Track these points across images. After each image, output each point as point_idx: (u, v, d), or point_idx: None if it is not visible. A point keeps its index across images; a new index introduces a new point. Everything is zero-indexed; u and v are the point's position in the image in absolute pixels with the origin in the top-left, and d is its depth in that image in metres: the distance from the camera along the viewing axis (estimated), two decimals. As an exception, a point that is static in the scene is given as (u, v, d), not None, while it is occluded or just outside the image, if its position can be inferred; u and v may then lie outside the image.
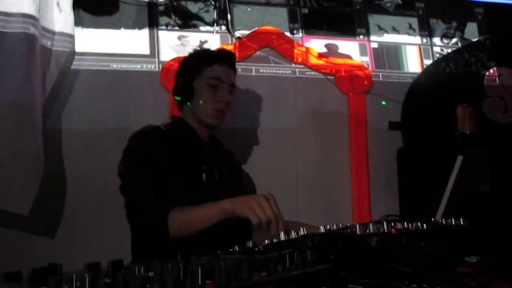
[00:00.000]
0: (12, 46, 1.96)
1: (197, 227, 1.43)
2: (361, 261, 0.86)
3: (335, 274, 0.83)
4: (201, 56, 1.83)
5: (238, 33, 2.49)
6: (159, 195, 1.53)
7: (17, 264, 0.78)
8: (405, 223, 0.99)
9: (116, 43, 2.35)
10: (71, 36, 2.15)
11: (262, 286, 0.67)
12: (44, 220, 2.10)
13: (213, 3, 2.48)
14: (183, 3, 2.48)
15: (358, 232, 0.97)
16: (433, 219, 1.05)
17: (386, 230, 0.95)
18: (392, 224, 1.01)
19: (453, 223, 1.07)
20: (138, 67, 2.36)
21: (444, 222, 1.02)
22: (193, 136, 1.76)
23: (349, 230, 0.97)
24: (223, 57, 1.83)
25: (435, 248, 0.89)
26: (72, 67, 2.23)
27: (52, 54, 2.10)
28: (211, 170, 1.74)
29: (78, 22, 2.25)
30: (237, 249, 1.21)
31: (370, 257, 0.85)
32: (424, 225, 0.96)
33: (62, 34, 2.13)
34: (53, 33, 2.11)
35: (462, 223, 1.08)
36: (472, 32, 2.86)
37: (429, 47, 2.80)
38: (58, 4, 2.11)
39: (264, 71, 2.50)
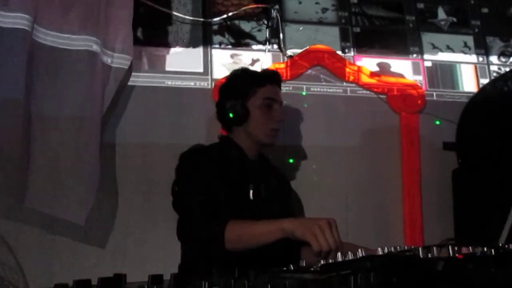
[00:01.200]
0: (75, 62, 2.07)
1: (254, 242, 1.43)
2: (426, 286, 0.84)
3: (399, 298, 0.81)
4: (252, 77, 1.85)
5: (289, 52, 2.51)
6: (214, 208, 1.55)
7: (71, 271, 0.80)
8: (471, 247, 0.96)
9: (171, 60, 2.42)
10: (130, 54, 2.23)
11: (329, 306, 0.66)
12: (97, 231, 2.17)
13: (265, 22, 2.52)
14: (236, 22, 2.53)
15: (421, 255, 0.95)
16: (501, 245, 1.00)
17: (451, 254, 0.92)
18: (456, 248, 0.97)
19: (521, 249, 1.02)
20: (191, 84, 2.42)
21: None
22: (240, 155, 1.78)
23: (411, 252, 0.95)
24: (273, 77, 1.86)
25: (505, 275, 0.85)
26: (128, 83, 2.31)
27: (111, 71, 2.19)
28: (259, 188, 1.75)
29: (135, 39, 2.32)
30: (292, 267, 1.20)
31: (436, 282, 0.82)
32: (492, 251, 0.92)
33: (121, 51, 2.21)
34: (113, 50, 2.19)
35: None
36: (532, 50, 2.76)
37: (486, 66, 2.72)
38: (120, 22, 2.20)
39: (316, 89, 2.50)
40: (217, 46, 2.50)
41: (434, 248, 0.95)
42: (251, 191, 1.73)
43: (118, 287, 0.58)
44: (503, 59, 2.76)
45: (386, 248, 1.05)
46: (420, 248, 0.97)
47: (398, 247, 1.08)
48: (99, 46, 2.12)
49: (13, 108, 1.94)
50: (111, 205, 2.22)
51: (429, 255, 0.94)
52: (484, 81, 2.67)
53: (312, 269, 1.12)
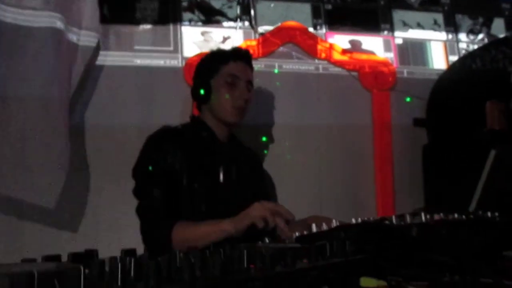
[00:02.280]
0: (39, 40, 1.98)
1: (199, 244, 1.44)
2: (400, 252, 0.85)
3: (374, 264, 0.81)
4: (217, 55, 1.83)
5: (261, 29, 2.48)
6: (165, 208, 1.55)
7: (38, 256, 0.77)
8: (443, 214, 0.97)
9: (140, 38, 2.36)
10: (97, 31, 2.16)
11: (306, 272, 0.65)
12: (68, 214, 2.12)
13: (236, -1, 2.48)
14: (206, -1, 2.48)
15: (394, 223, 0.96)
16: (471, 211, 1.02)
17: (424, 221, 0.93)
18: (429, 215, 0.99)
19: (490, 216, 1.04)
20: (161, 62, 2.37)
21: (483, 215, 1.00)
22: (210, 137, 1.76)
23: (386, 221, 0.96)
24: (239, 55, 1.83)
25: (477, 239, 0.86)
26: (96, 62, 2.24)
27: (78, 49, 2.12)
28: (229, 170, 1.74)
29: (102, 17, 2.25)
30: (267, 241, 1.20)
31: (410, 247, 0.83)
32: (464, 216, 0.94)
33: (87, 29, 2.14)
34: (79, 28, 2.12)
35: (498, 216, 1.05)
36: (499, 27, 2.81)
37: (455, 43, 2.76)
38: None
39: (287, 67, 2.49)
40: (187, 23, 2.44)
41: (408, 216, 0.96)
42: (221, 174, 1.72)
43: (89, 260, 0.56)
44: (471, 37, 2.80)
45: (359, 219, 1.06)
46: (393, 216, 0.98)
47: (371, 218, 1.09)
48: (64, 23, 2.04)
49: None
50: (82, 188, 2.17)
51: (403, 223, 0.95)
52: (453, 58, 2.71)
53: (287, 241, 1.13)
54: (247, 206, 1.71)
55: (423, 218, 0.94)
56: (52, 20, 2.01)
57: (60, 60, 2.03)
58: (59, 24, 2.02)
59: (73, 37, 2.11)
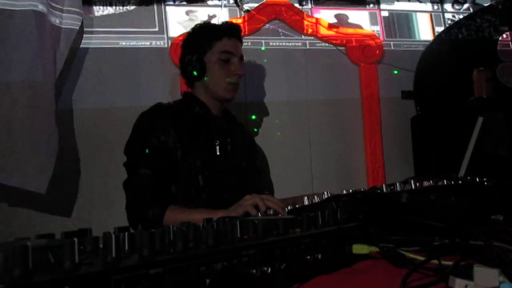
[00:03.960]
0: (21, 24, 1.95)
1: None
2: (391, 218, 0.86)
3: (366, 231, 0.83)
4: (209, 31, 1.79)
5: (246, 6, 2.46)
6: (157, 190, 1.55)
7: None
8: (432, 181, 0.98)
9: (124, 20, 2.33)
10: (79, 14, 2.13)
11: (299, 240, 0.66)
12: (60, 199, 2.11)
13: (220, -24, 2.44)
14: (189, -24, 2.45)
15: (385, 191, 0.97)
16: (460, 176, 1.04)
17: (413, 187, 0.94)
18: (418, 183, 1.00)
19: (478, 181, 1.06)
20: (147, 43, 2.34)
21: (472, 179, 1.01)
22: (204, 111, 1.75)
23: (377, 190, 0.97)
24: (231, 31, 1.80)
25: (466, 204, 0.88)
26: (81, 45, 2.21)
27: (61, 32, 2.08)
28: (224, 143, 1.73)
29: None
30: (260, 215, 1.21)
31: (401, 213, 0.84)
32: (452, 182, 0.95)
33: (70, 11, 2.10)
34: (61, 10, 2.08)
35: (486, 181, 1.07)
36: (484, -4, 2.81)
37: (441, 14, 2.75)
38: (65, -19, 2.08)
39: (274, 43, 2.47)
40: (171, 3, 2.41)
41: (397, 184, 0.97)
42: (217, 147, 1.72)
43: (83, 237, 0.56)
44: (457, 7, 2.80)
45: (350, 190, 1.07)
46: (384, 185, 0.99)
47: (362, 188, 1.10)
48: (45, 6, 2.01)
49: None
50: (72, 172, 2.17)
51: (392, 191, 0.96)
52: (439, 29, 2.71)
53: (280, 215, 1.14)
54: (242, 177, 1.72)
55: (412, 185, 0.95)
56: (33, 3, 1.97)
57: (44, 43, 2.00)
58: (41, 7, 1.99)
59: (55, 20, 2.07)
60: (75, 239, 0.44)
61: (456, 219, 0.84)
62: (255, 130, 2.35)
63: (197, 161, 1.63)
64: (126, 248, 0.54)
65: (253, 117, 2.37)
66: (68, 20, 2.10)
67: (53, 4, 2.06)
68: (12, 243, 0.45)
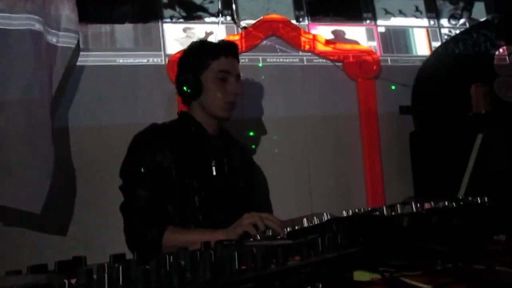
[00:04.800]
0: (18, 43, 1.95)
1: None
2: (392, 242, 0.84)
3: (367, 256, 0.81)
4: (206, 49, 1.79)
5: (243, 23, 2.46)
6: (154, 212, 1.53)
7: (30, 262, 0.75)
8: (433, 202, 0.97)
9: (122, 38, 2.32)
10: (76, 32, 2.13)
11: (299, 269, 0.64)
12: (56, 218, 2.09)
13: (217, -7, 2.45)
14: (187, -6, 2.45)
15: (385, 214, 0.95)
16: (461, 197, 1.02)
17: (415, 210, 0.93)
18: (419, 204, 0.98)
19: (479, 201, 1.04)
20: (144, 61, 2.34)
21: (473, 200, 1.00)
22: (200, 131, 1.74)
23: (376, 212, 0.95)
24: (228, 49, 1.80)
25: (468, 226, 0.86)
26: (78, 63, 2.21)
27: (57, 50, 2.08)
28: (220, 163, 1.72)
29: (82, 17, 2.21)
30: (258, 237, 1.19)
31: (402, 237, 0.83)
32: (454, 204, 0.94)
33: (66, 30, 2.10)
34: (58, 29, 2.08)
35: (487, 201, 1.05)
36: (479, 11, 2.82)
37: (437, 29, 2.76)
38: (61, 0, 2.08)
39: (272, 60, 2.47)
40: (168, 20, 2.41)
41: (398, 206, 0.96)
42: (213, 167, 1.70)
43: (76, 269, 0.54)
44: (453, 22, 2.81)
45: (350, 211, 1.06)
46: (384, 207, 0.98)
47: (362, 209, 1.09)
48: (42, 25, 2.01)
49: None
50: (68, 191, 2.15)
51: (393, 213, 0.95)
52: (436, 44, 2.71)
53: (279, 237, 1.12)
54: (240, 197, 1.71)
55: (413, 207, 0.93)
56: (30, 22, 1.97)
57: (40, 62, 1.99)
58: (38, 26, 1.99)
59: (52, 39, 2.07)
60: (66, 281, 0.42)
61: (459, 243, 0.82)
62: (253, 147, 2.34)
63: (193, 181, 1.62)
64: (120, 282, 0.52)
65: (251, 133, 2.36)
66: (64, 39, 2.10)
67: (50, 23, 2.06)
68: (3, 281, 0.43)
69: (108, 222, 2.11)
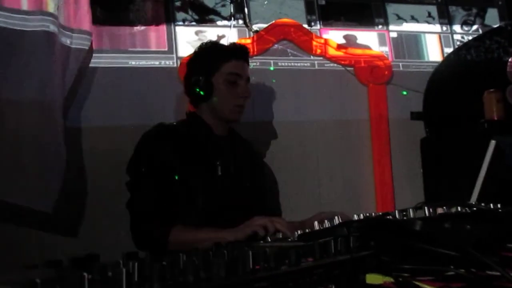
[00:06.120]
0: (32, 44, 1.97)
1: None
2: (404, 246, 0.84)
3: (379, 260, 0.81)
4: (217, 52, 1.80)
5: (255, 27, 2.47)
6: (160, 210, 1.54)
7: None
8: (446, 208, 0.96)
9: (134, 40, 2.34)
10: (89, 34, 2.15)
11: (311, 270, 0.65)
12: (67, 219, 2.10)
13: (230, -3, 2.47)
14: (199, -2, 2.47)
15: (397, 218, 0.95)
16: (474, 203, 1.02)
17: (427, 215, 0.92)
18: (431, 209, 0.98)
19: (492, 208, 1.04)
20: (156, 63, 2.35)
21: (486, 206, 0.99)
22: (207, 132, 1.75)
23: (389, 216, 0.95)
24: (239, 52, 1.81)
25: (481, 232, 0.86)
26: (90, 64, 2.23)
27: (70, 52, 2.10)
28: (227, 163, 1.73)
29: (95, 19, 2.23)
30: (269, 240, 1.19)
31: (414, 242, 0.82)
32: (467, 209, 0.93)
33: (80, 31, 2.12)
34: (72, 31, 2.11)
35: (500, 208, 1.05)
36: (492, 18, 2.81)
37: (449, 35, 2.76)
38: (75, 2, 2.11)
39: (283, 64, 2.48)
40: (180, 23, 2.43)
41: (410, 210, 0.96)
42: (219, 167, 1.71)
43: (91, 265, 0.55)
44: (465, 28, 2.80)
45: (361, 215, 1.05)
46: (396, 211, 0.98)
47: (373, 214, 1.08)
48: (56, 26, 2.03)
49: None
50: (80, 191, 2.16)
51: (406, 218, 0.95)
52: (448, 50, 2.71)
53: (289, 239, 1.12)
54: (246, 198, 1.71)
55: (426, 212, 0.93)
56: (44, 23, 2.00)
57: (54, 63, 2.01)
58: (52, 27, 2.01)
59: (66, 40, 2.09)
60: (85, 274, 0.43)
61: (472, 248, 0.82)
62: (263, 150, 2.34)
63: (198, 181, 1.63)
64: (136, 279, 0.53)
65: (261, 137, 2.36)
66: (78, 40, 2.12)
67: (64, 25, 2.08)
68: (20, 274, 0.44)
69: (120, 222, 2.12)
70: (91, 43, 2.17)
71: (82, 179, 2.16)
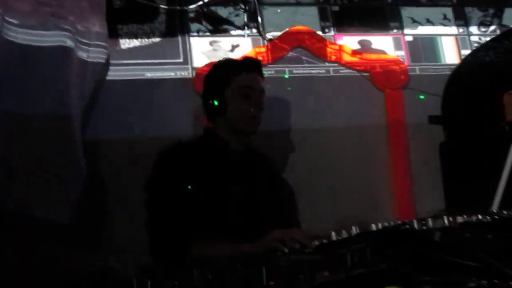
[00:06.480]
0: (50, 59, 2.00)
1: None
2: (424, 258, 0.82)
3: (397, 272, 0.79)
4: (228, 66, 1.83)
5: (269, 35, 2.47)
6: (180, 229, 1.55)
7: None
8: (466, 216, 0.94)
9: (149, 51, 2.36)
10: (106, 47, 2.18)
11: (327, 286, 0.63)
12: (85, 231, 2.12)
13: (242, 6, 2.47)
14: (213, 8, 2.48)
15: (416, 228, 0.93)
16: (495, 211, 0.99)
17: (447, 224, 0.90)
18: (451, 218, 0.96)
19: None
20: (172, 74, 2.37)
21: (508, 213, 0.96)
22: (224, 148, 1.76)
23: (406, 225, 0.93)
24: (250, 65, 1.83)
25: (502, 240, 0.84)
26: (107, 77, 2.25)
27: (87, 65, 2.13)
28: (243, 180, 1.73)
29: (111, 32, 2.26)
30: (286, 250, 1.18)
31: (433, 253, 0.81)
32: (488, 217, 0.91)
33: (96, 45, 2.15)
34: (88, 44, 2.13)
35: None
36: (510, 18, 2.76)
37: (466, 37, 2.71)
38: (91, 15, 2.14)
39: (298, 71, 2.47)
40: (195, 34, 2.45)
41: (430, 220, 0.94)
42: (235, 184, 1.72)
43: (106, 280, 0.55)
44: (482, 29, 2.75)
45: (379, 225, 1.04)
46: (415, 221, 0.96)
47: (391, 222, 1.06)
48: (73, 41, 2.06)
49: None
50: (98, 203, 2.18)
51: (424, 227, 0.93)
52: (466, 52, 2.66)
53: (306, 250, 1.10)
54: (263, 213, 1.71)
55: (445, 221, 0.91)
56: (62, 39, 2.03)
57: (71, 77, 2.05)
58: (69, 42, 2.05)
59: (83, 54, 2.12)
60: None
61: (493, 258, 0.79)
62: (280, 159, 2.33)
63: (215, 199, 1.63)
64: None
65: (278, 146, 2.35)
66: (94, 54, 2.15)
67: (81, 39, 2.11)
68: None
69: (137, 235, 2.13)
70: (108, 57, 2.20)
71: (101, 191, 2.18)
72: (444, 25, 2.71)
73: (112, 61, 2.25)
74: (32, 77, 2.01)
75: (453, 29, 2.71)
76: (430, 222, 0.94)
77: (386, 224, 1.02)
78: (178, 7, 2.42)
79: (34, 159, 1.97)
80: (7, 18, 1.97)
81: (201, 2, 2.43)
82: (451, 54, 2.66)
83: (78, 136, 2.03)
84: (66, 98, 2.01)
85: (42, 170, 1.98)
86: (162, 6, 2.40)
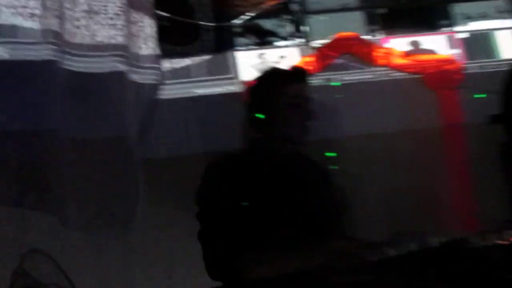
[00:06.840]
0: (104, 84, 2.10)
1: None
2: (482, 278, 0.79)
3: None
4: (274, 76, 1.83)
5: (316, 43, 2.47)
6: (233, 240, 1.56)
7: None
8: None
9: (200, 69, 2.43)
10: (157, 69, 2.26)
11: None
12: (141, 248, 2.19)
13: (287, 17, 2.49)
14: (258, 21, 2.51)
15: (474, 244, 0.90)
16: None
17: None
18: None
19: None
20: (221, 89, 2.42)
21: None
22: (272, 157, 1.76)
23: (466, 242, 0.90)
24: (297, 75, 1.83)
25: None
26: (160, 97, 2.33)
27: (141, 87, 2.21)
28: (293, 188, 1.73)
29: (162, 53, 2.34)
30: (343, 267, 1.17)
31: (493, 272, 0.78)
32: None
33: (149, 67, 2.24)
34: (141, 67, 2.22)
35: None
36: None
37: (524, 29, 2.59)
38: (144, 39, 2.22)
39: (347, 78, 2.45)
40: (242, 48, 2.49)
41: (491, 234, 0.90)
42: (285, 192, 1.72)
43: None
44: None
45: (437, 239, 1.01)
46: (474, 235, 0.92)
47: (451, 234, 1.03)
48: (127, 65, 2.15)
49: (50, 137, 2.00)
50: (156, 220, 2.25)
51: (484, 243, 0.89)
52: (525, 45, 2.54)
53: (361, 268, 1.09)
54: (315, 220, 1.70)
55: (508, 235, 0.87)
56: (116, 64, 2.13)
57: (126, 99, 2.14)
58: (123, 67, 2.14)
59: (135, 77, 2.21)
60: None
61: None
62: (332, 167, 2.31)
63: (266, 209, 1.64)
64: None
65: (329, 154, 2.34)
66: (147, 76, 2.24)
67: (133, 62, 2.20)
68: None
69: (194, 255, 2.18)
70: (160, 77, 2.28)
71: (158, 209, 2.25)
72: (499, 18, 2.59)
73: (164, 80, 2.32)
74: (89, 101, 2.11)
75: (509, 22, 2.59)
76: (491, 237, 0.90)
77: (443, 239, 0.99)
78: (225, 24, 2.47)
79: (92, 181, 2.06)
80: (66, 49, 2.08)
81: (246, 17, 2.47)
82: (508, 49, 2.54)
83: (134, 156, 2.11)
84: (122, 121, 2.10)
85: (99, 191, 2.06)
86: (210, 24, 2.46)
